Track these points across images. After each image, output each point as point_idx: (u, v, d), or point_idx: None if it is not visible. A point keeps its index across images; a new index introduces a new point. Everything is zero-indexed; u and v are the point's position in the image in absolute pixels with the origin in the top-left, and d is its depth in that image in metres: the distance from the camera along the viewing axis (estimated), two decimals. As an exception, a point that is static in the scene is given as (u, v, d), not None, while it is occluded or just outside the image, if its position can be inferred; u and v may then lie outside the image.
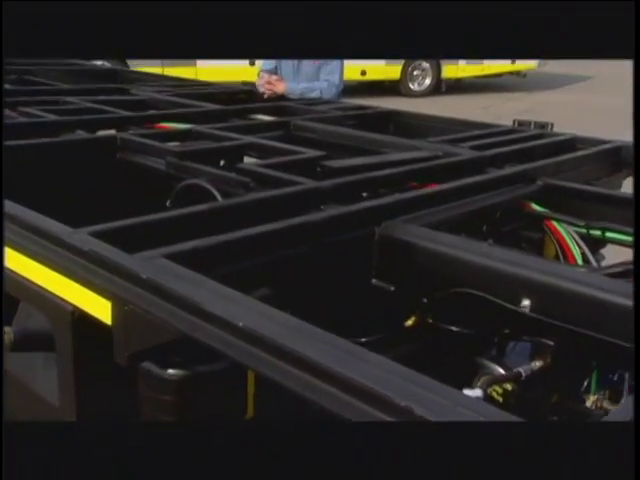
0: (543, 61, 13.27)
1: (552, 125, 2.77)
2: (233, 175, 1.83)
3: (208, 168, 1.93)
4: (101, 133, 2.35)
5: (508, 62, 12.92)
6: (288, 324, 0.97)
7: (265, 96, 3.39)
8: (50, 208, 1.41)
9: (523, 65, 13.20)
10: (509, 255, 1.40)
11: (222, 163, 2.12)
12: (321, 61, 3.74)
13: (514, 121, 2.88)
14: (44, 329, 1.41)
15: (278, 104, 3.12)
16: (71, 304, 1.22)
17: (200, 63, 9.50)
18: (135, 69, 6.89)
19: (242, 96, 3.40)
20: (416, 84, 12.44)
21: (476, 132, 2.62)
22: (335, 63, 3.72)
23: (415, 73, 12.37)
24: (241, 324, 0.94)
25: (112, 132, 2.33)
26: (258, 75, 3.66)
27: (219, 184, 1.80)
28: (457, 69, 12.58)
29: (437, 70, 12.42)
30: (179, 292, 1.02)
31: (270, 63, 3.80)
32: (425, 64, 12.36)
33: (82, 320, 1.22)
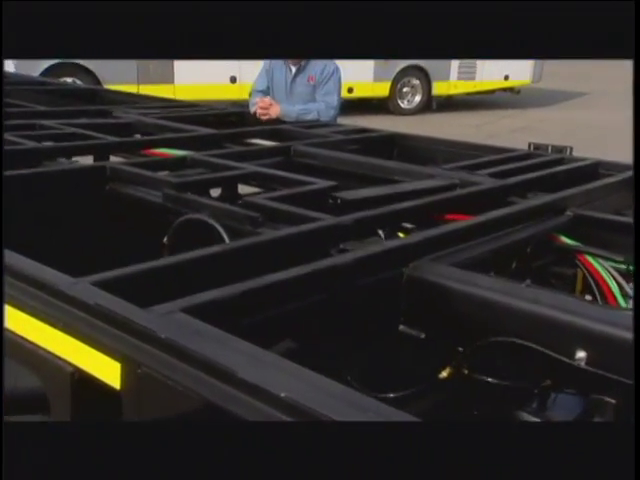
0: (537, 76, 13.43)
1: (571, 149, 2.74)
2: (239, 209, 1.76)
3: (210, 201, 1.86)
4: (87, 162, 2.27)
5: (501, 78, 13.06)
6: (334, 393, 0.90)
7: (263, 119, 3.36)
8: (33, 250, 1.32)
9: (517, 81, 13.34)
10: (559, 300, 1.34)
11: (221, 194, 2.05)
12: (316, 80, 3.71)
13: (529, 145, 2.85)
14: (34, 390, 1.32)
15: (275, 127, 3.07)
16: (71, 364, 1.13)
17: (178, 81, 9.48)
18: (108, 87, 6.85)
19: (233, 118, 3.35)
20: (406, 101, 12.48)
21: (492, 157, 2.58)
22: (331, 83, 3.69)
23: (404, 90, 12.41)
24: (283, 394, 0.86)
25: (96, 160, 2.25)
26: (250, 95, 3.62)
27: (223, 219, 1.72)
28: (448, 86, 12.66)
29: (427, 87, 12.48)
30: (206, 355, 0.94)
31: (262, 83, 3.76)
32: (415, 81, 12.42)
33: (83, 383, 1.13)
